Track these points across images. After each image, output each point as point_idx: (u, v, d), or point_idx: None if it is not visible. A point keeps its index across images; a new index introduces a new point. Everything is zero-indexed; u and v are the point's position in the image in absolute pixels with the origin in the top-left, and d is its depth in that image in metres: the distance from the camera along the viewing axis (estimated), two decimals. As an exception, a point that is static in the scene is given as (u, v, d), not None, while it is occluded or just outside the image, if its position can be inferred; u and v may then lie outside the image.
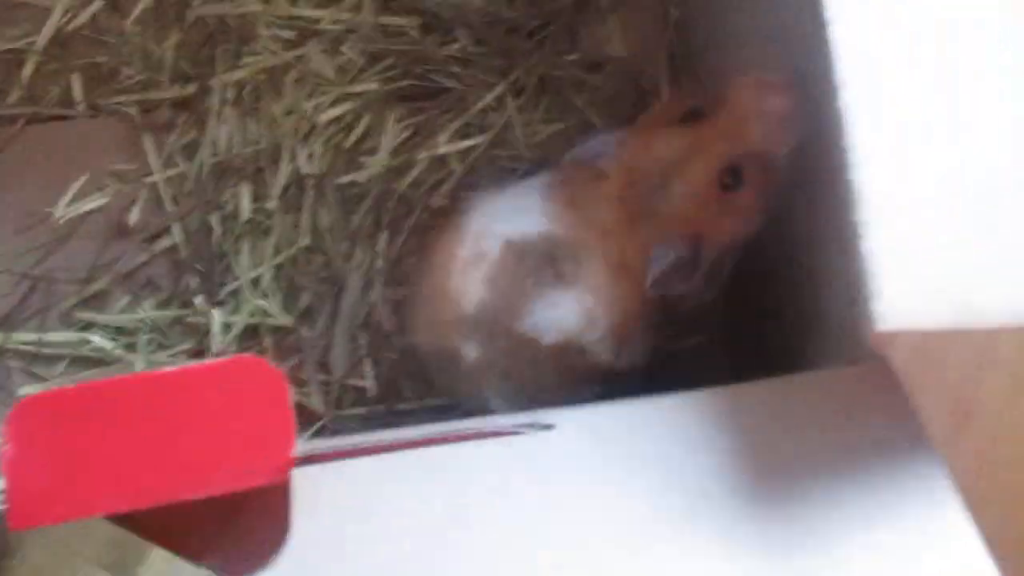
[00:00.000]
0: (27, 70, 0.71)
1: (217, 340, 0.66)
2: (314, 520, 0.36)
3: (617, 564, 0.36)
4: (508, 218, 0.54)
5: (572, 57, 0.71)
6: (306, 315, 0.67)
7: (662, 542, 0.36)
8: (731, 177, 0.49)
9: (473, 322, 0.53)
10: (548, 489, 0.37)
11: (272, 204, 0.68)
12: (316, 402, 0.65)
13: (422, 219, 0.68)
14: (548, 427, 0.39)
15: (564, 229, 0.53)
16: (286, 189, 0.69)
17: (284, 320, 0.67)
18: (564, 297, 0.52)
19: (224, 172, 0.69)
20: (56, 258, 0.68)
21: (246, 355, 0.38)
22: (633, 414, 0.40)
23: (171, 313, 0.67)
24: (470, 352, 0.53)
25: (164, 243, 0.68)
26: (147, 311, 0.67)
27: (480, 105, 0.70)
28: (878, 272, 0.36)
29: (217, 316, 0.66)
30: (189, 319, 0.67)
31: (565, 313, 0.52)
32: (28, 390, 0.65)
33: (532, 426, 0.39)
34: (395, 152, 0.69)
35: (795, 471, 0.38)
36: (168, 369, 0.37)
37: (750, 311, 0.60)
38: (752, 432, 0.38)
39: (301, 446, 0.37)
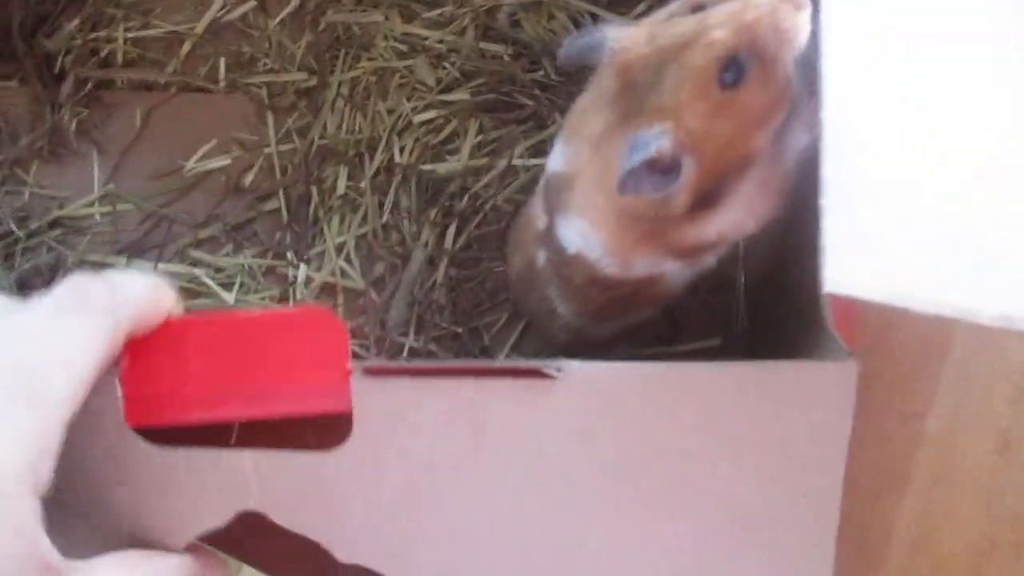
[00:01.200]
0: (184, 49, 0.85)
1: (300, 290, 0.77)
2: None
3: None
4: (553, 153, 0.58)
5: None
6: (377, 282, 0.78)
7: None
8: (732, 70, 0.46)
9: (540, 236, 0.61)
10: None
11: (364, 184, 0.80)
12: (371, 352, 0.75)
13: (488, 215, 0.79)
14: (558, 370, 0.43)
15: (573, 146, 0.54)
16: (376, 173, 0.80)
17: (358, 283, 0.77)
18: (569, 217, 0.55)
19: (328, 153, 0.81)
20: (180, 204, 0.80)
21: (318, 307, 0.45)
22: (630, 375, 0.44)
23: (265, 262, 0.78)
24: (540, 258, 0.62)
25: (270, 205, 0.80)
26: (246, 258, 0.79)
27: (555, 128, 0.80)
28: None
29: (303, 270, 0.78)
30: (279, 269, 0.78)
31: (570, 232, 0.56)
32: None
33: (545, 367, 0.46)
34: (474, 156, 0.80)
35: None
36: (253, 310, 0.45)
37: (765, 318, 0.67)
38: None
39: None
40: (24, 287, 0.76)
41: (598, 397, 0.44)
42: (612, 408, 0.44)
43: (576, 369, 0.45)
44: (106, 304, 0.38)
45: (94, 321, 0.37)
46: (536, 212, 0.62)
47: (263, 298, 0.78)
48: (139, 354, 0.42)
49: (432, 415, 0.44)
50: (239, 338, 0.43)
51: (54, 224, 0.79)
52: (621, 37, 0.49)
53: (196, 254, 0.79)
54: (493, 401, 0.45)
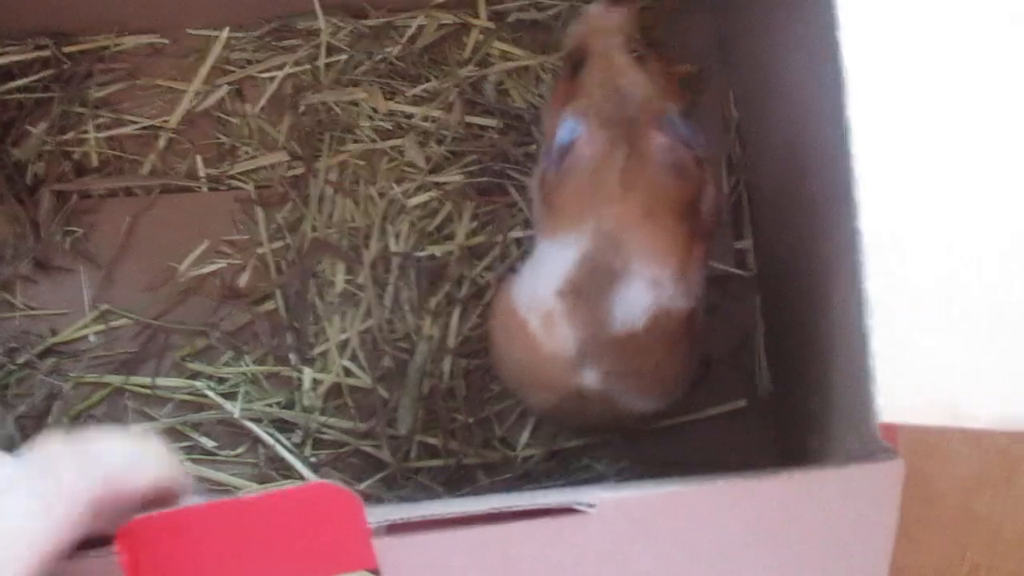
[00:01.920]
0: (160, 143, 0.82)
1: (306, 395, 0.75)
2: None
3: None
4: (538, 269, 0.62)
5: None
6: (385, 377, 0.76)
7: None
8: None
9: (575, 359, 0.60)
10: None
11: (362, 277, 0.77)
12: (385, 454, 0.73)
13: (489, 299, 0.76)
14: (591, 506, 0.44)
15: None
16: (374, 264, 0.78)
17: (365, 382, 0.75)
18: (628, 280, 0.58)
19: (322, 246, 0.78)
20: (175, 313, 0.78)
21: (324, 482, 0.43)
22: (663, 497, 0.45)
23: (267, 368, 0.76)
24: (589, 378, 0.60)
25: (267, 306, 0.78)
26: (247, 365, 0.77)
27: (551, 199, 0.77)
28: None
29: (308, 373, 0.76)
30: (283, 374, 0.76)
31: (639, 293, 0.58)
32: (140, 428, 0.75)
33: (577, 504, 0.45)
34: (470, 236, 0.78)
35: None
36: (253, 495, 0.43)
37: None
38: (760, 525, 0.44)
39: (372, 516, 0.44)
40: (21, 426, 0.74)
41: (633, 522, 0.44)
42: (649, 529, 0.44)
43: (609, 498, 0.44)
44: (73, 479, 0.35)
45: (56, 499, 0.34)
46: (553, 347, 0.60)
47: (269, 405, 0.76)
48: (143, 548, 0.40)
49: (462, 564, 0.43)
50: (250, 524, 0.41)
51: (47, 352, 0.77)
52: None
53: (195, 365, 0.77)
54: (524, 541, 0.44)
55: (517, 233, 0.78)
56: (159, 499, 0.40)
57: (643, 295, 0.59)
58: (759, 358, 0.75)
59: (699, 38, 0.82)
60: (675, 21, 0.82)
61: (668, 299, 0.59)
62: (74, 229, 0.79)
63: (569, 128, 0.61)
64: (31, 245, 0.79)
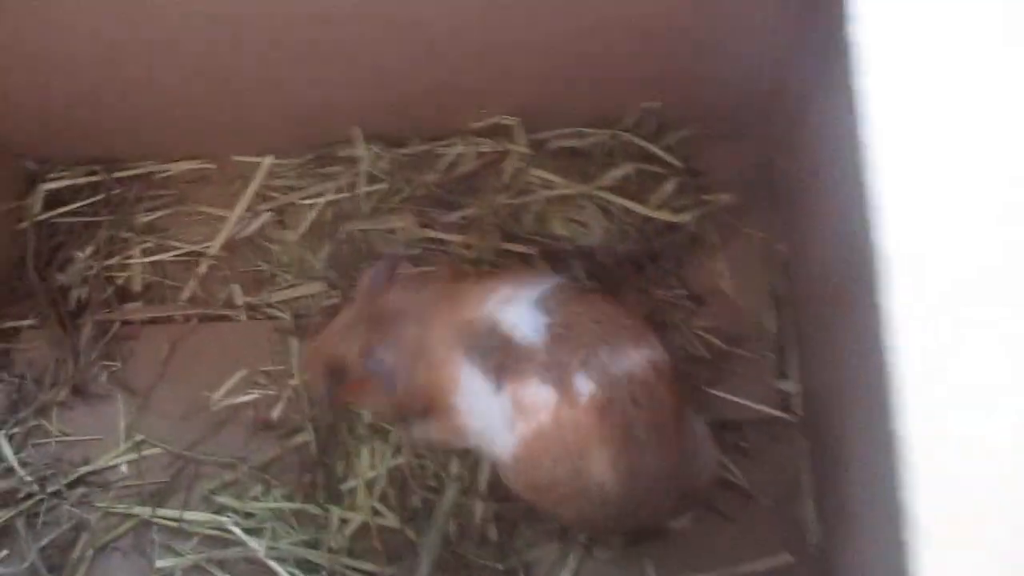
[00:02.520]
0: (201, 269, 0.83)
1: (334, 537, 0.73)
2: None
3: None
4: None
5: (679, 291, 0.76)
6: (414, 517, 0.73)
7: None
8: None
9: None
10: None
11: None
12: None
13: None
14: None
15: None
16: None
17: (393, 522, 0.73)
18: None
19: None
20: (208, 444, 0.77)
21: None
22: None
23: (295, 505, 0.74)
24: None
25: (299, 438, 0.77)
26: (275, 499, 0.75)
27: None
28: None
29: (336, 512, 0.74)
30: (311, 511, 0.74)
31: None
32: (164, 563, 0.74)
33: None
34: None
35: None
36: None
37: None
38: None
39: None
40: (47, 556, 0.74)
41: None
42: None
43: None
44: None
45: None
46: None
47: (295, 543, 0.73)
48: None
49: None
50: None
51: (77, 481, 0.76)
52: None
53: (223, 499, 0.75)
54: None
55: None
56: None
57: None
58: (807, 508, 0.70)
59: (743, 166, 0.80)
60: (718, 148, 0.80)
61: None
62: (113, 359, 0.80)
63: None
64: (70, 372, 0.79)
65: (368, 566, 0.72)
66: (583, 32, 0.70)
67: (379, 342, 0.65)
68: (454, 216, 0.80)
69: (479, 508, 0.72)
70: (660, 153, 0.79)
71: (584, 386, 0.59)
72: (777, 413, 0.72)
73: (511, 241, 0.79)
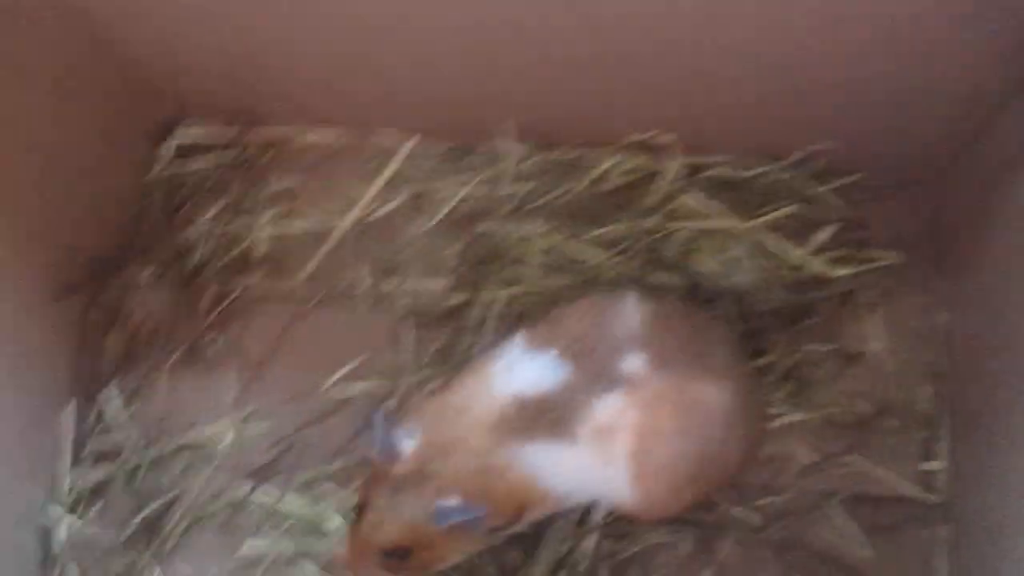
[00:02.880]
0: (326, 248, 0.80)
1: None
2: None
3: None
4: None
5: (828, 347, 0.72)
6: (521, 539, 0.70)
7: None
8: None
9: None
10: None
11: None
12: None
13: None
14: None
15: None
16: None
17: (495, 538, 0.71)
18: None
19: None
20: (314, 430, 0.75)
21: None
22: None
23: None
24: None
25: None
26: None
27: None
28: None
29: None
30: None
31: None
32: (255, 543, 0.72)
33: None
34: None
35: None
36: None
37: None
38: None
39: None
40: (141, 521, 0.72)
41: None
42: None
43: None
44: None
45: None
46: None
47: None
48: None
49: None
50: None
51: (182, 448, 0.75)
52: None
53: (323, 488, 0.73)
54: None
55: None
56: None
57: None
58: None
59: (909, 224, 0.75)
60: (886, 200, 0.76)
61: None
62: (228, 327, 0.78)
63: None
64: (185, 334, 0.77)
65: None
66: (768, 68, 0.66)
67: (435, 495, 0.57)
68: (596, 231, 0.77)
69: (591, 544, 0.69)
70: (826, 197, 0.75)
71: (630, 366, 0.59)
72: (918, 493, 0.68)
73: (655, 268, 0.75)
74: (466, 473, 0.58)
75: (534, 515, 0.63)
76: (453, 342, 0.76)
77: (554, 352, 0.60)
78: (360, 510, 0.59)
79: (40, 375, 0.71)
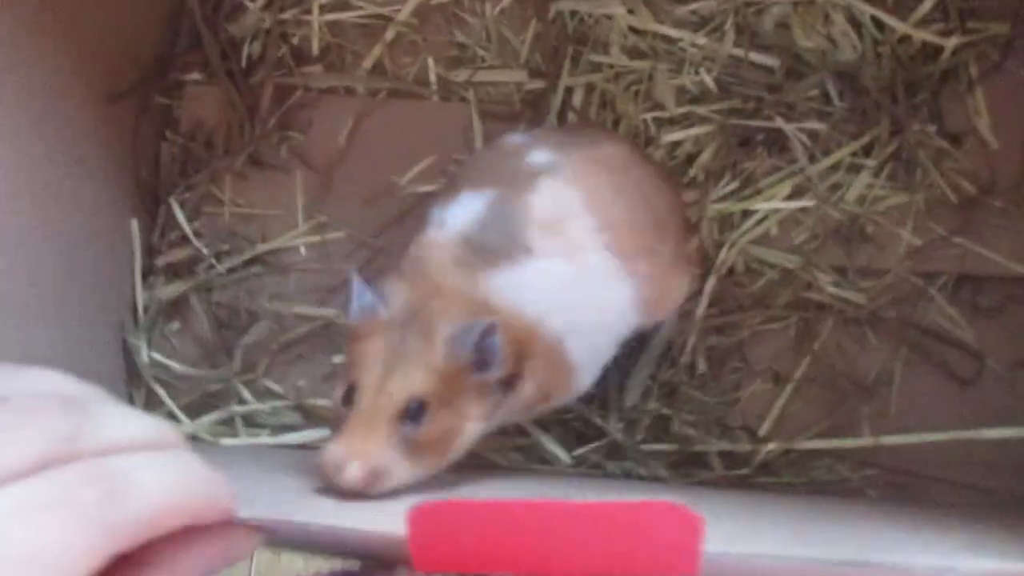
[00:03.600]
0: (388, 36, 0.73)
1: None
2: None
3: None
4: None
5: (933, 127, 0.69)
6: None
7: None
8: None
9: None
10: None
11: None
12: (613, 425, 0.67)
13: (741, 268, 0.69)
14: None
15: None
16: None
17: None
18: None
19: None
20: (392, 233, 0.71)
21: (663, 501, 0.38)
22: None
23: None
24: None
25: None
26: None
27: (828, 162, 0.68)
28: None
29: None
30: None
31: None
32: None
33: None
34: (720, 199, 0.69)
35: None
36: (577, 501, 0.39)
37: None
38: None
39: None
40: (220, 326, 0.70)
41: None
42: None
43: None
44: (97, 518, 0.28)
45: (73, 531, 0.27)
46: None
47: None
48: (435, 529, 0.37)
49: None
50: (566, 526, 0.37)
51: (253, 260, 0.71)
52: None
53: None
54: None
55: (773, 203, 0.69)
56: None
57: None
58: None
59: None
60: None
61: None
62: (290, 128, 0.72)
63: None
64: (246, 139, 0.72)
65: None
66: None
67: (439, 323, 0.49)
68: (685, 9, 0.71)
69: (692, 339, 0.68)
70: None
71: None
72: (1024, 271, 0.67)
73: (749, 47, 0.70)
74: (456, 311, 0.50)
75: (538, 372, 0.53)
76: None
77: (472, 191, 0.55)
78: (350, 390, 0.49)
79: (101, 189, 0.67)
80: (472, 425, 0.50)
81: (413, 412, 0.48)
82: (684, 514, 0.38)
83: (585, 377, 0.57)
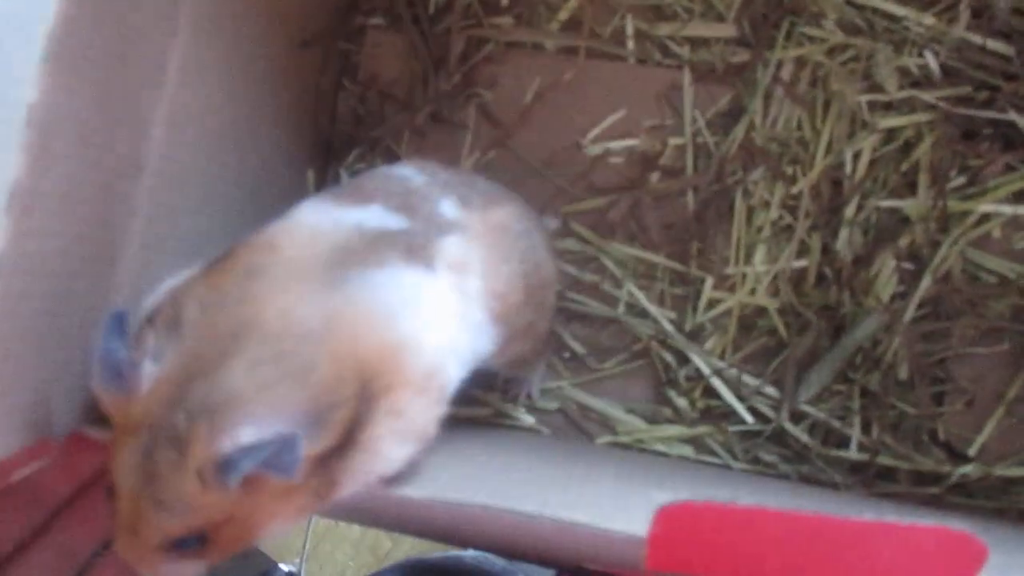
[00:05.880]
0: (582, -10, 0.69)
1: (700, 312, 0.66)
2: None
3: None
4: None
5: None
6: (802, 331, 0.65)
7: None
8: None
9: None
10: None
11: (798, 194, 0.65)
12: (784, 422, 0.63)
13: (958, 274, 0.63)
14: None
15: None
16: (816, 190, 0.65)
17: (770, 324, 0.65)
18: None
19: (755, 154, 0.66)
20: (578, 188, 0.68)
21: (942, 527, 0.35)
22: None
23: (663, 260, 0.67)
24: None
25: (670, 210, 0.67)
26: (640, 249, 0.67)
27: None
28: None
29: (707, 288, 0.66)
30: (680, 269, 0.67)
31: None
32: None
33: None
34: (939, 195, 0.64)
35: None
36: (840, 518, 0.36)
37: None
38: None
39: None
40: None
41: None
42: None
43: None
44: None
45: None
46: None
47: (656, 322, 0.66)
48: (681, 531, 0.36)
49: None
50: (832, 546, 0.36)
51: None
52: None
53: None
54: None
55: (998, 206, 0.63)
56: None
57: None
58: None
59: None
60: None
61: None
62: (475, 84, 0.68)
63: None
64: (430, 93, 0.68)
65: (716, 364, 0.65)
66: None
67: (216, 431, 0.35)
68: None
69: (894, 344, 0.63)
70: None
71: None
72: None
73: (978, 32, 0.64)
74: (270, 353, 0.37)
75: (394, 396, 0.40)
76: (736, 107, 0.67)
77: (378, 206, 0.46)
78: (111, 490, 0.37)
79: (283, 136, 0.63)
80: (285, 518, 0.39)
81: (183, 541, 0.37)
82: (967, 542, 0.36)
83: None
